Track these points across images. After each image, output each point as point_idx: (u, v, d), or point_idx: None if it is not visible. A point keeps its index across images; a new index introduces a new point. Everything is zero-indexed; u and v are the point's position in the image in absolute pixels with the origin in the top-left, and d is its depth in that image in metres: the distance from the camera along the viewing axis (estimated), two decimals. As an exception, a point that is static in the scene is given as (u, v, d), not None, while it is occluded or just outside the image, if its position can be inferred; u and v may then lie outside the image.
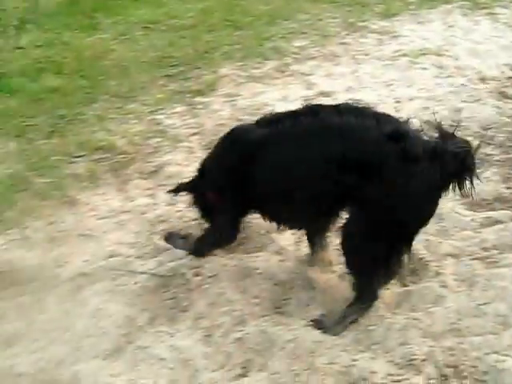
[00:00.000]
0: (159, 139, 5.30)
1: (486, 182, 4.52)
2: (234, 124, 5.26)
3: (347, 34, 7.20)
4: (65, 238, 4.28)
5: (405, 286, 3.82)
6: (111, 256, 4.13)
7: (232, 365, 3.30)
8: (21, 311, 3.76)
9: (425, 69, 6.42)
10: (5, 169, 4.96)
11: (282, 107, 5.44)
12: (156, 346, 3.45)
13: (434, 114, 5.11)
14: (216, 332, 3.48)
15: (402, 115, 5.21)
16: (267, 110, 5.42)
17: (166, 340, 3.47)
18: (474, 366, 3.20)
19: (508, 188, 4.62)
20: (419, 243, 3.94)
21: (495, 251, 4.01)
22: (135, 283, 3.90)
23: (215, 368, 3.29)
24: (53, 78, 6.11)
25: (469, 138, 4.71)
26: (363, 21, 7.48)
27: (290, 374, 3.26)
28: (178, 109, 5.78)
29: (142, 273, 3.93)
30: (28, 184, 4.77)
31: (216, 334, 3.47)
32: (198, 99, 5.92)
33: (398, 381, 3.18)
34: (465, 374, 3.17)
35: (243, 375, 3.26)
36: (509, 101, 5.81)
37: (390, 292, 3.72)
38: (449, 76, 6.23)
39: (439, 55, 6.64)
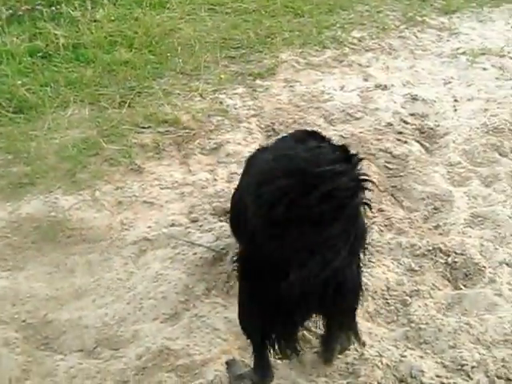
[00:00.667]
0: (220, 118, 5.47)
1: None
2: (292, 109, 5.57)
3: (406, 28, 7.11)
4: (131, 204, 4.53)
5: (457, 288, 3.80)
6: (172, 225, 4.33)
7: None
8: (89, 267, 4.03)
9: (485, 69, 6.28)
10: (79, 133, 5.23)
11: (339, 96, 5.72)
12: (211, 316, 3.60)
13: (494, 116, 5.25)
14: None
15: (460, 115, 5.43)
16: (325, 98, 5.70)
17: (221, 311, 3.62)
18: None
19: None
20: (474, 248, 4.00)
21: (556, 267, 3.94)
22: (194, 254, 4.07)
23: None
24: (124, 51, 6.31)
25: None
26: (422, 15, 7.36)
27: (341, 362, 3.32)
28: (239, 90, 5.92)
29: (200, 245, 4.12)
30: (99, 149, 5.03)
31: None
32: (258, 82, 6.06)
33: (448, 384, 3.20)
34: None
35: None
36: None
37: (442, 293, 3.74)
38: (511, 79, 6.11)
39: (501, 56, 6.47)
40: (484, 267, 3.88)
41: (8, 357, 3.40)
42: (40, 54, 6.27)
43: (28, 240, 4.21)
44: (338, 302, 2.64)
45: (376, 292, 3.76)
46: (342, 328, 3.09)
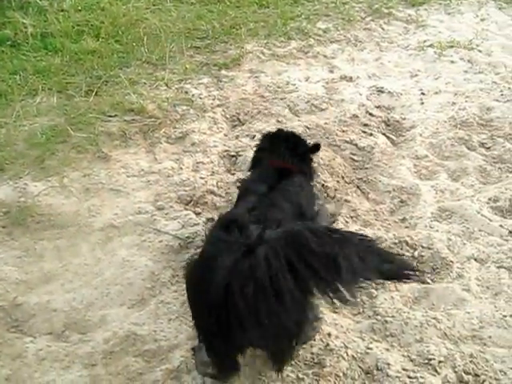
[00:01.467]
0: (186, 107, 5.55)
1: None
2: (258, 100, 5.65)
3: (372, 20, 7.19)
4: (98, 191, 4.61)
5: (424, 283, 3.78)
6: (139, 213, 4.41)
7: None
8: (57, 252, 4.11)
9: (453, 62, 6.32)
10: (47, 121, 5.29)
11: (304, 87, 5.81)
12: (177, 302, 3.68)
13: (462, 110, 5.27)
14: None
15: (427, 108, 5.46)
16: (290, 89, 5.78)
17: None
18: (496, 379, 3.18)
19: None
20: (442, 242, 4.04)
21: (524, 262, 3.95)
22: (160, 241, 4.16)
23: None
24: (91, 41, 6.39)
25: (500, 140, 4.99)
26: (389, 7, 7.42)
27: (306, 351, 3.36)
28: (205, 80, 6.00)
29: (166, 233, 4.21)
30: (67, 137, 5.10)
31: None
32: (224, 72, 6.15)
33: (414, 378, 3.19)
34: (486, 383, 3.16)
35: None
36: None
37: (408, 286, 3.75)
38: (479, 72, 6.13)
39: (469, 49, 6.51)
40: (451, 262, 3.93)
41: (-22, 339, 3.47)
42: (9, 43, 6.35)
43: (-2, 225, 4.28)
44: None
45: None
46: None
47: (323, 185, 4.58)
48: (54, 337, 3.56)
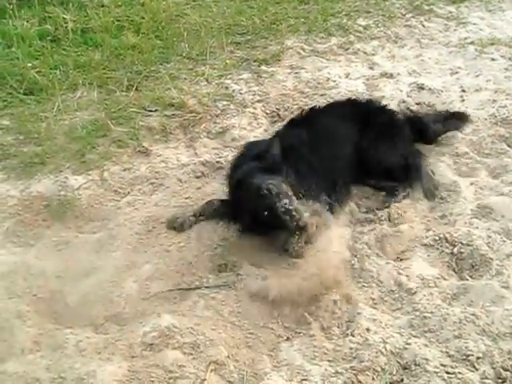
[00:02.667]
0: (226, 102, 5.55)
1: None
2: (298, 95, 5.63)
3: (412, 17, 7.12)
4: (138, 185, 4.63)
5: (463, 279, 3.80)
6: (179, 206, 4.42)
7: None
8: (97, 246, 4.13)
9: (494, 60, 6.25)
10: (87, 115, 5.33)
11: (344, 84, 5.76)
12: (216, 296, 3.72)
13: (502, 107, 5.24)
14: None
15: (467, 105, 5.40)
16: (330, 86, 5.74)
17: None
18: None
19: None
20: (481, 239, 3.99)
21: None
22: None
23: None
24: (131, 36, 6.42)
25: None
26: (429, 4, 7.36)
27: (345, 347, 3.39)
28: (245, 75, 6.00)
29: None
30: (107, 131, 5.13)
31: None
32: (264, 68, 6.14)
33: (452, 373, 3.16)
34: None
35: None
36: None
37: (448, 283, 3.75)
38: None
39: (510, 47, 6.44)
40: (491, 259, 3.87)
41: (20, 328, 3.50)
42: (49, 38, 6.39)
43: (39, 218, 4.31)
44: None
45: (381, 280, 3.82)
46: None
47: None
48: (94, 328, 3.57)
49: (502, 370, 3.17)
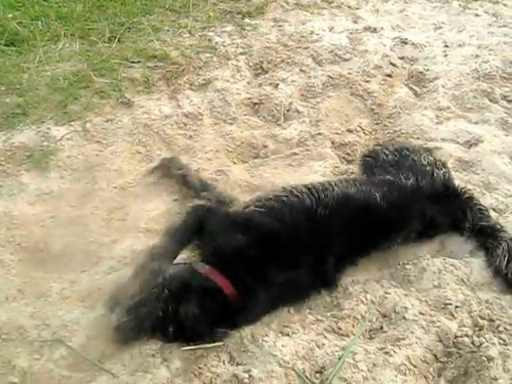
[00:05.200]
0: (209, 55, 5.54)
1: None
2: (281, 48, 5.63)
3: None
4: (121, 136, 4.61)
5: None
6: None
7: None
8: (80, 195, 4.13)
9: (477, 15, 6.31)
10: (69, 66, 5.28)
11: (328, 37, 5.77)
12: None
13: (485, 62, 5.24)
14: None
15: (450, 60, 5.42)
16: (313, 39, 5.74)
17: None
18: (511, 324, 3.20)
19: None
20: None
21: (543, 212, 3.93)
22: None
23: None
24: (114, -13, 6.35)
25: None
26: None
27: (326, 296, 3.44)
28: (228, 28, 5.99)
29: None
30: (89, 82, 5.09)
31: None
32: (247, 21, 6.13)
33: (431, 321, 3.21)
34: (501, 328, 3.17)
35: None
36: None
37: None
38: (504, 25, 6.13)
39: (494, 3, 6.51)
40: None
41: (4, 277, 3.52)
42: (31, -11, 6.29)
43: (21, 168, 4.30)
44: None
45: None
46: None
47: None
48: (77, 276, 3.58)
49: (479, 319, 3.21)
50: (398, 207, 3.65)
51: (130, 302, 3.11)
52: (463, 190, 3.90)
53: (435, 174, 3.84)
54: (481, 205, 3.85)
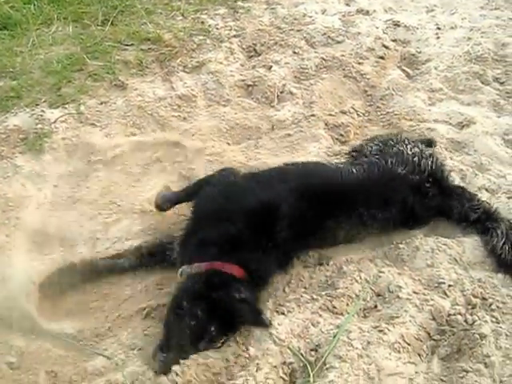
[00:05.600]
0: (202, 37, 5.52)
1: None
2: (274, 31, 5.62)
3: None
4: (115, 118, 4.63)
5: None
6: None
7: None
8: (74, 177, 4.21)
9: None
10: (63, 49, 5.27)
11: (321, 20, 5.75)
12: None
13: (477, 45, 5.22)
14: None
15: (442, 42, 5.42)
16: (306, 21, 5.74)
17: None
18: (503, 302, 3.26)
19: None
20: (454, 172, 4.04)
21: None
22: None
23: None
24: (106, -31, 6.32)
25: None
26: None
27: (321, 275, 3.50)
28: (221, 11, 5.95)
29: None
30: (83, 65, 5.09)
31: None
32: (240, 3, 6.06)
33: (424, 300, 3.26)
34: (493, 307, 3.23)
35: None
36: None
37: None
38: (495, 8, 6.06)
39: None
40: None
41: (0, 259, 3.60)
42: (22, -28, 6.25)
43: (16, 150, 4.32)
44: None
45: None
46: None
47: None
48: (74, 257, 3.67)
49: (471, 297, 3.26)
50: (376, 183, 3.68)
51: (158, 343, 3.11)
52: (451, 180, 3.91)
53: (421, 165, 3.79)
54: (470, 193, 3.86)
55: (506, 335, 3.10)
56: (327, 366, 2.96)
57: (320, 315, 3.23)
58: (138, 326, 3.33)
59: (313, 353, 3.04)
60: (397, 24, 5.77)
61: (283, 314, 3.24)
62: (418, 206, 3.69)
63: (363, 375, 2.94)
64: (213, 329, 3.06)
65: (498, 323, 3.16)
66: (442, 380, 2.99)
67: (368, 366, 2.97)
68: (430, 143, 4.22)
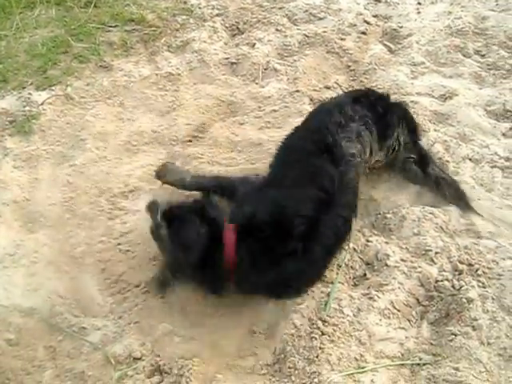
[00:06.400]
0: (185, 17, 5.53)
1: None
2: (256, 9, 5.64)
3: None
4: (102, 99, 4.68)
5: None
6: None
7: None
8: (62, 156, 4.26)
9: None
10: (47, 32, 5.29)
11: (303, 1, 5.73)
12: None
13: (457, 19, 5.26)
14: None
15: (423, 17, 5.44)
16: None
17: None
18: (489, 268, 3.33)
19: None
20: (439, 144, 4.12)
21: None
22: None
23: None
24: (89, -49, 6.30)
25: (494, 48, 4.98)
26: None
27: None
28: (203, -10, 5.97)
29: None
30: (68, 47, 5.12)
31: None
32: (222, -17, 6.09)
33: (412, 267, 3.35)
34: (479, 272, 3.30)
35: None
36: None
37: (409, 185, 3.91)
38: None
39: None
40: (447, 161, 4.03)
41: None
42: (4, -44, 6.22)
43: (5, 133, 4.37)
44: None
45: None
46: None
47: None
48: (66, 239, 3.74)
49: (458, 263, 3.36)
50: None
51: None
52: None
53: None
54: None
55: (493, 299, 3.18)
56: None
57: (311, 284, 3.33)
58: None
59: (305, 320, 3.14)
60: (377, 0, 5.79)
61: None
62: None
63: (355, 341, 3.03)
64: None
65: (485, 288, 3.24)
66: (431, 344, 3.08)
67: (359, 332, 3.06)
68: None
